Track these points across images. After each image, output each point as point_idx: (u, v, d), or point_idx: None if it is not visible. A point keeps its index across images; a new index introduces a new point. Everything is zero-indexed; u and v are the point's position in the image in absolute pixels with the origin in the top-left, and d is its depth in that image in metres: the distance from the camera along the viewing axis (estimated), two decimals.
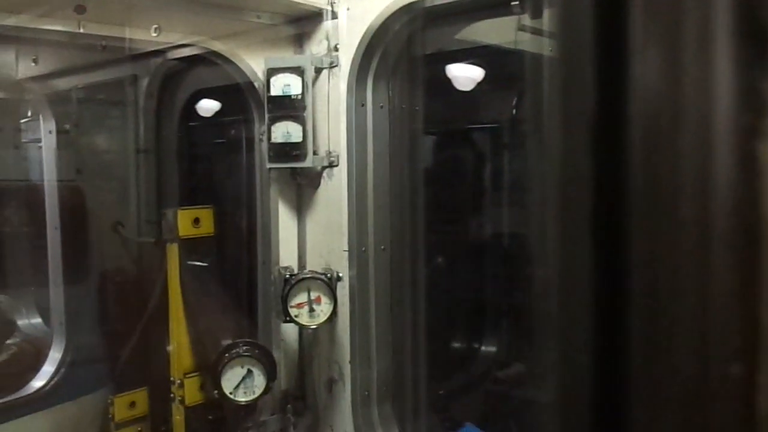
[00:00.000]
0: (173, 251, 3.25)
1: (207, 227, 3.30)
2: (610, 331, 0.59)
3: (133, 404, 3.50)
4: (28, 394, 3.91)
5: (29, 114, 4.36)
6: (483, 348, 3.77)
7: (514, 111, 3.62)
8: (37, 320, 4.55)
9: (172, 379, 3.26)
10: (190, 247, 3.30)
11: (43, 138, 4.12)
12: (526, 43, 2.62)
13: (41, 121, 4.13)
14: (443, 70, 3.54)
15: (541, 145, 0.66)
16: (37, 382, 3.97)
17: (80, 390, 3.89)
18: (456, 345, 3.89)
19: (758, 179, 0.52)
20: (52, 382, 3.96)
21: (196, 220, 3.26)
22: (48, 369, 4.01)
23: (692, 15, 0.52)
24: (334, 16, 2.98)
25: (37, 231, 4.14)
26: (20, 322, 4.52)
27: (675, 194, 0.55)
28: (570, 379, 0.61)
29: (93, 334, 4.05)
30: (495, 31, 2.87)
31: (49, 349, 4.09)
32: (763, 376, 0.53)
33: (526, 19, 2.60)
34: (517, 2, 2.55)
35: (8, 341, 4.23)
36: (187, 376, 3.26)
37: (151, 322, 3.47)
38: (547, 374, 0.63)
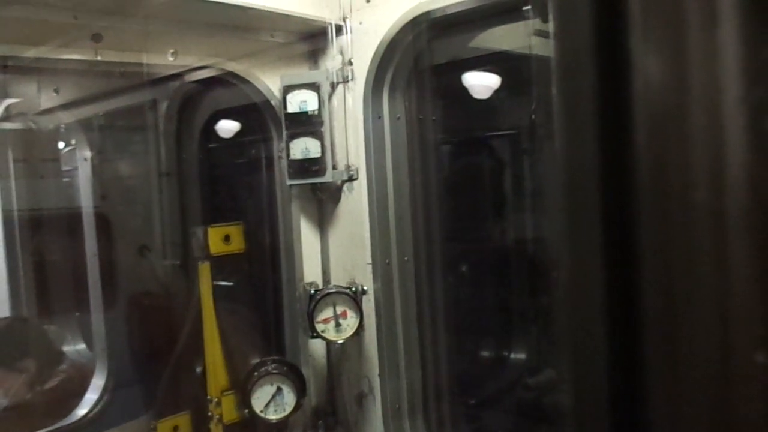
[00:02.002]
0: (205, 270, 3.25)
1: (237, 244, 3.30)
2: (625, 326, 0.58)
3: (176, 429, 3.49)
4: (73, 422, 3.94)
5: (63, 143, 4.43)
6: (512, 355, 3.73)
7: (532, 116, 3.61)
8: (82, 346, 4.59)
9: (209, 397, 3.27)
10: (218, 265, 3.30)
11: (80, 166, 4.17)
12: (540, 47, 2.61)
13: (77, 150, 4.20)
14: (459, 79, 3.53)
15: (552, 143, 0.65)
16: (81, 410, 4.00)
17: (124, 416, 3.92)
18: (485, 353, 3.86)
19: None
20: (96, 410, 3.99)
21: (227, 237, 3.26)
22: (91, 396, 4.04)
23: None
24: (347, 30, 2.99)
25: (76, 257, 4.19)
26: (66, 349, 4.56)
27: (686, 178, 0.54)
28: (588, 370, 0.60)
29: (133, 359, 4.08)
30: (510, 37, 2.86)
31: (93, 374, 4.12)
32: None
33: (539, 24, 2.59)
34: (528, 7, 2.54)
35: (58, 368, 4.27)
36: (224, 393, 3.26)
37: (187, 343, 3.48)
38: (566, 369, 0.62)
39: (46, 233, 4.48)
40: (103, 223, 4.17)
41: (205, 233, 3.22)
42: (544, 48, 2.58)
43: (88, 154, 4.14)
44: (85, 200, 4.16)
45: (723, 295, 0.55)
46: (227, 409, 3.25)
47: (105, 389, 4.04)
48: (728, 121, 0.52)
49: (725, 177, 0.53)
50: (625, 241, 0.57)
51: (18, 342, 4.15)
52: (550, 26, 0.66)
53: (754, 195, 0.53)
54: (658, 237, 0.57)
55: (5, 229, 4.40)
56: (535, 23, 2.59)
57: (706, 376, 0.55)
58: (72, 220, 4.31)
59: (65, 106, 3.96)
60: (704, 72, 0.53)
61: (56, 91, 3.77)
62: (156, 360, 3.74)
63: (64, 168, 4.48)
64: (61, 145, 4.47)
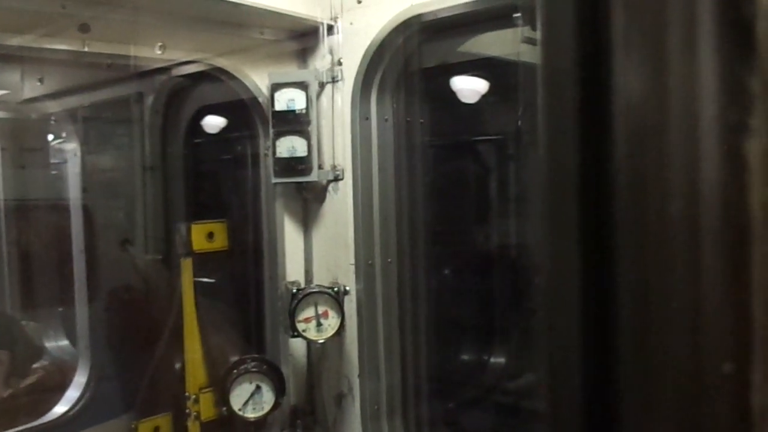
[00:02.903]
0: (187, 266, 3.24)
1: (221, 241, 3.29)
2: (600, 330, 0.59)
3: (157, 429, 3.45)
4: (52, 420, 3.89)
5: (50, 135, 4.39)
6: (492, 359, 3.75)
7: (518, 122, 3.62)
8: (65, 342, 4.54)
9: (187, 394, 3.25)
10: (201, 261, 3.29)
11: (69, 161, 4.14)
12: (529, 54, 2.62)
13: (66, 144, 4.16)
14: (447, 83, 3.54)
15: (536, 150, 0.66)
16: (62, 408, 3.96)
17: (105, 414, 3.88)
18: (465, 357, 3.87)
19: (745, 175, 0.52)
20: (77, 407, 3.94)
21: (210, 234, 3.25)
22: (73, 394, 4.00)
23: (675, 13, 0.52)
24: (337, 30, 2.99)
25: (61, 252, 4.16)
26: (48, 345, 4.50)
27: (663, 193, 0.55)
28: (561, 379, 0.61)
29: (116, 355, 4.04)
30: (499, 43, 2.87)
31: (75, 371, 4.08)
32: (757, 373, 0.53)
33: (528, 31, 2.60)
34: (519, 14, 2.55)
35: (35, 365, 4.21)
36: (203, 391, 3.25)
37: (170, 341, 3.46)
38: (543, 373, 0.62)
39: (27, 225, 4.44)
40: (85, 215, 4.14)
41: (189, 230, 3.21)
42: (532, 55, 2.59)
43: (77, 148, 4.11)
44: (74, 195, 4.12)
45: (696, 304, 0.56)
46: (205, 407, 3.24)
47: (87, 387, 4.00)
48: (704, 138, 0.53)
49: (700, 191, 0.54)
50: (603, 250, 0.58)
51: None
52: (538, 35, 0.66)
53: (727, 209, 0.54)
54: (634, 246, 0.58)
55: None
56: (524, 30, 2.60)
57: (678, 382, 0.56)
58: (55, 212, 4.28)
59: (49, 96, 3.92)
60: (682, 90, 0.54)
61: (41, 80, 3.74)
62: (139, 356, 3.71)
63: (52, 161, 4.45)
64: (49, 137, 4.44)
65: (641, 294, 0.58)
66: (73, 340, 4.41)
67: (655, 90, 0.55)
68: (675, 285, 0.56)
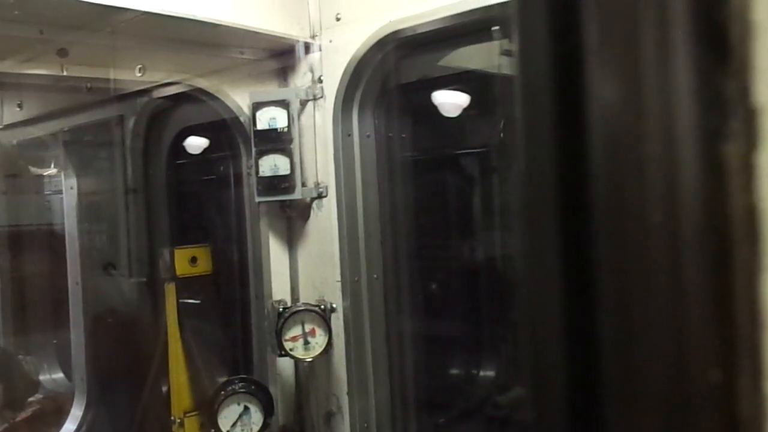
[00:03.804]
0: (170, 291, 3.23)
1: (204, 266, 3.29)
2: (582, 341, 0.58)
3: None
4: None
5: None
6: (481, 373, 3.73)
7: (500, 135, 3.63)
8: (59, 375, 4.48)
9: (172, 418, 3.22)
10: (185, 284, 3.28)
11: (65, 194, 4.11)
12: (508, 66, 2.63)
13: (62, 177, 4.13)
14: (428, 97, 3.55)
15: (515, 163, 0.66)
16: None
17: None
18: (453, 371, 3.86)
19: (725, 181, 0.52)
20: None
21: (193, 259, 3.25)
22: (70, 427, 3.95)
23: (649, 20, 0.52)
24: (317, 48, 3.00)
25: (55, 282, 4.12)
26: (42, 378, 4.44)
27: (641, 201, 0.54)
28: (544, 390, 0.60)
29: (110, 386, 4.00)
30: (478, 56, 2.89)
31: (71, 405, 4.03)
32: (742, 380, 0.52)
33: (507, 44, 2.62)
34: (497, 27, 2.57)
35: (30, 399, 4.15)
36: (188, 415, 3.22)
37: (159, 367, 3.43)
38: (527, 386, 0.62)
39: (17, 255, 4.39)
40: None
41: (172, 254, 3.20)
42: (511, 67, 2.61)
43: (74, 182, 4.09)
44: (70, 228, 4.10)
45: (679, 312, 0.56)
46: (190, 431, 3.21)
47: (83, 420, 3.96)
48: (681, 146, 0.53)
49: (679, 199, 0.54)
50: (582, 260, 0.58)
51: None
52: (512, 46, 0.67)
53: (707, 217, 0.54)
54: (614, 255, 0.57)
55: None
56: (503, 43, 2.62)
57: (662, 391, 0.56)
58: (43, 240, 4.24)
59: (30, 122, 3.90)
60: (659, 96, 0.54)
61: (20, 106, 3.72)
62: (131, 385, 3.68)
63: (34, 187, 4.42)
64: (30, 163, 4.42)
65: (622, 302, 0.58)
66: (67, 373, 4.37)
67: (630, 97, 0.55)
68: (657, 293, 0.55)
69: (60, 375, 4.45)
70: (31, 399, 4.10)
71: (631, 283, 0.56)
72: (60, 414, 4.01)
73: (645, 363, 0.55)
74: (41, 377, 4.40)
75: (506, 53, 2.65)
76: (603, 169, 0.56)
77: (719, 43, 0.50)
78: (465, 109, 3.60)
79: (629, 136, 0.54)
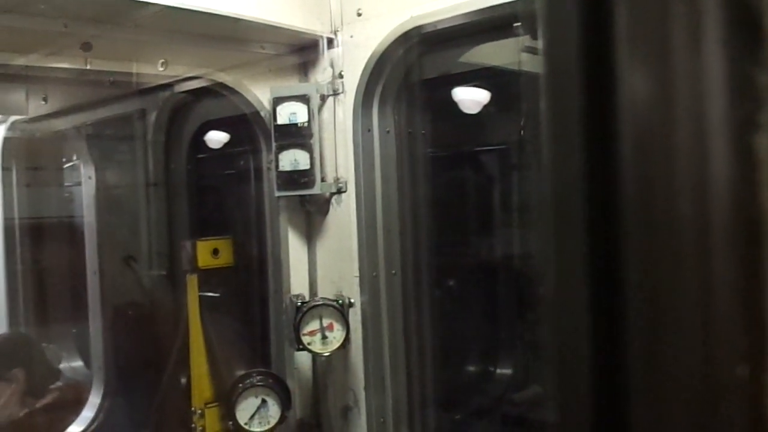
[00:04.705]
0: (192, 282, 3.25)
1: (226, 258, 3.30)
2: (610, 336, 0.58)
3: None
4: None
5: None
6: (498, 370, 3.73)
7: (521, 131, 3.62)
8: (79, 363, 4.54)
9: (192, 409, 3.24)
10: (206, 277, 3.30)
11: (84, 184, 4.16)
12: (529, 63, 2.62)
13: (81, 167, 4.18)
14: (449, 94, 3.55)
15: (540, 158, 0.65)
16: (77, 428, 3.96)
17: None
18: (471, 368, 3.85)
19: (756, 173, 0.51)
20: (92, 427, 3.94)
21: (215, 251, 3.26)
22: (87, 414, 4.00)
23: (680, 8, 0.52)
24: (338, 43, 3.00)
25: (74, 272, 4.17)
26: (62, 366, 4.50)
27: (671, 193, 0.54)
28: (570, 385, 0.60)
29: (128, 375, 4.04)
30: (500, 52, 2.88)
31: (89, 392, 4.08)
32: None
33: (529, 40, 2.61)
34: (519, 24, 2.56)
35: (51, 386, 4.21)
36: (208, 406, 3.24)
37: (179, 357, 3.45)
38: (550, 383, 0.62)
39: (39, 245, 4.45)
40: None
41: (194, 246, 3.22)
42: (533, 64, 2.60)
43: (92, 171, 4.13)
44: (88, 218, 4.13)
45: (708, 306, 0.55)
46: (210, 422, 3.23)
47: (101, 408, 4.00)
48: (712, 136, 0.53)
49: (709, 191, 0.53)
50: (610, 254, 0.58)
51: (14, 358, 4.09)
52: (539, 42, 0.66)
53: (737, 208, 0.53)
54: (642, 250, 0.57)
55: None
56: (524, 39, 2.61)
57: (690, 386, 0.55)
58: (65, 231, 4.29)
59: (54, 115, 3.94)
60: (689, 87, 0.53)
61: (45, 99, 3.76)
62: (150, 375, 3.71)
63: (58, 179, 4.47)
64: (55, 155, 4.47)
65: (651, 297, 0.57)
66: (86, 361, 4.42)
67: (660, 88, 0.54)
68: (686, 287, 0.55)
69: (79, 363, 4.50)
70: (51, 386, 4.15)
71: (659, 277, 0.55)
72: (79, 402, 4.05)
73: (673, 357, 0.55)
74: (61, 365, 4.45)
75: (528, 50, 2.64)
76: (632, 162, 0.56)
77: (752, 31, 0.49)
78: (485, 106, 3.59)
79: (659, 128, 0.54)
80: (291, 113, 3.02)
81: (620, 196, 0.57)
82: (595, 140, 0.58)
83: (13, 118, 4.13)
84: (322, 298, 3.09)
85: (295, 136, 3.02)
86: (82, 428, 3.95)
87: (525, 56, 2.66)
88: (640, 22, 0.54)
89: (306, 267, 3.22)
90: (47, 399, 4.02)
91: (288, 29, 2.88)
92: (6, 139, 4.27)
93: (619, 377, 0.57)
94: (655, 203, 0.55)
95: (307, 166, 3.01)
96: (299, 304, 3.03)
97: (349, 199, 3.02)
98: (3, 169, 4.30)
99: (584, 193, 0.59)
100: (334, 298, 3.05)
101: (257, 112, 3.22)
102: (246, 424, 3.04)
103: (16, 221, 4.37)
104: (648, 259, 0.56)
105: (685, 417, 0.56)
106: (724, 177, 0.53)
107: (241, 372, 3.21)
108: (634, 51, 0.54)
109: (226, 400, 3.10)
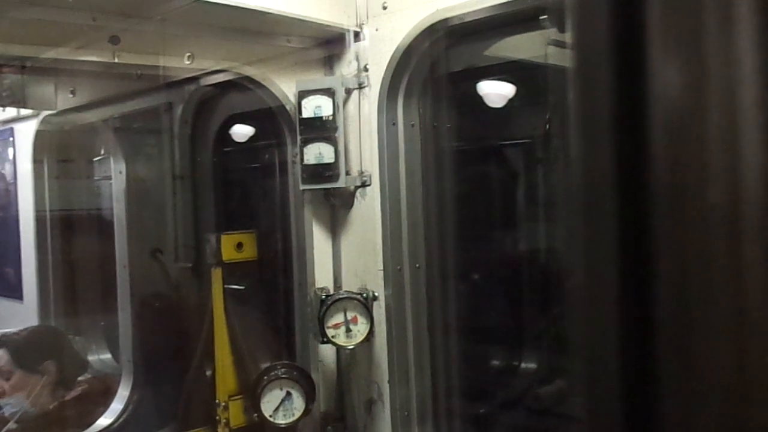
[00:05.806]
0: (217, 276, 3.28)
1: (250, 251, 3.33)
2: (640, 329, 0.57)
3: None
4: None
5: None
6: (523, 365, 3.71)
7: (547, 126, 3.59)
8: (107, 356, 4.60)
9: (217, 401, 3.27)
10: (230, 270, 3.33)
11: (114, 178, 4.21)
12: (556, 56, 2.60)
13: (111, 162, 4.23)
14: (474, 87, 3.53)
15: (566, 152, 0.65)
16: (106, 420, 4.01)
17: (147, 428, 3.92)
18: (495, 362, 3.84)
19: None
20: (121, 420, 4.00)
21: (239, 245, 3.29)
22: (117, 406, 4.05)
23: None
24: (363, 37, 3.00)
25: (103, 265, 4.22)
26: (91, 358, 4.56)
27: (703, 183, 0.53)
28: (602, 375, 0.60)
29: (157, 367, 4.09)
30: (526, 46, 2.86)
31: (118, 384, 4.14)
32: None
33: (556, 33, 2.59)
34: (545, 17, 2.54)
35: (80, 378, 4.27)
36: (232, 398, 3.27)
37: (204, 350, 3.48)
38: (579, 377, 0.61)
39: (69, 238, 4.50)
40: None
41: (218, 240, 3.25)
42: (559, 57, 2.58)
43: (122, 166, 4.18)
44: (119, 213, 4.18)
45: (738, 298, 0.54)
46: (234, 414, 3.26)
47: (130, 400, 4.05)
48: (744, 124, 0.52)
49: (741, 179, 0.53)
50: (641, 245, 0.57)
51: (45, 351, 4.15)
52: (569, 35, 0.65)
53: None
54: (673, 240, 0.56)
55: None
56: (551, 33, 2.59)
57: (721, 381, 0.54)
58: (93, 223, 4.34)
59: (82, 108, 3.99)
60: (721, 75, 0.52)
61: (73, 92, 3.80)
62: (177, 368, 3.75)
63: (86, 173, 4.53)
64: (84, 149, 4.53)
65: (682, 289, 0.56)
66: (114, 353, 4.47)
67: (693, 77, 0.53)
68: (718, 278, 0.54)
69: (108, 356, 4.56)
70: (80, 378, 4.21)
71: (690, 266, 0.55)
72: (108, 394, 4.10)
73: (703, 348, 0.54)
74: (90, 357, 4.51)
75: (555, 43, 2.62)
76: (663, 151, 0.55)
77: None
78: (510, 100, 3.57)
79: (691, 117, 0.53)
80: (316, 107, 3.02)
81: (651, 187, 0.56)
82: (626, 131, 0.58)
83: (45, 112, 4.19)
84: (346, 291, 3.09)
85: (320, 129, 3.03)
86: (111, 420, 3.99)
87: (551, 49, 2.64)
88: (672, 10, 0.54)
89: (330, 260, 3.23)
90: (77, 391, 4.08)
91: (314, 23, 2.89)
92: (39, 132, 4.34)
93: (649, 371, 0.57)
94: (687, 193, 0.55)
95: (332, 160, 3.02)
96: (324, 297, 3.04)
97: (374, 192, 3.02)
98: (34, 161, 4.37)
99: (615, 184, 0.59)
100: (359, 291, 3.06)
101: (282, 106, 3.23)
102: (271, 416, 3.06)
103: (47, 213, 4.44)
104: (679, 250, 0.56)
105: (717, 410, 0.55)
106: (757, 166, 0.52)
107: (265, 364, 3.23)
108: (666, 40, 0.54)
109: (251, 392, 3.13)
